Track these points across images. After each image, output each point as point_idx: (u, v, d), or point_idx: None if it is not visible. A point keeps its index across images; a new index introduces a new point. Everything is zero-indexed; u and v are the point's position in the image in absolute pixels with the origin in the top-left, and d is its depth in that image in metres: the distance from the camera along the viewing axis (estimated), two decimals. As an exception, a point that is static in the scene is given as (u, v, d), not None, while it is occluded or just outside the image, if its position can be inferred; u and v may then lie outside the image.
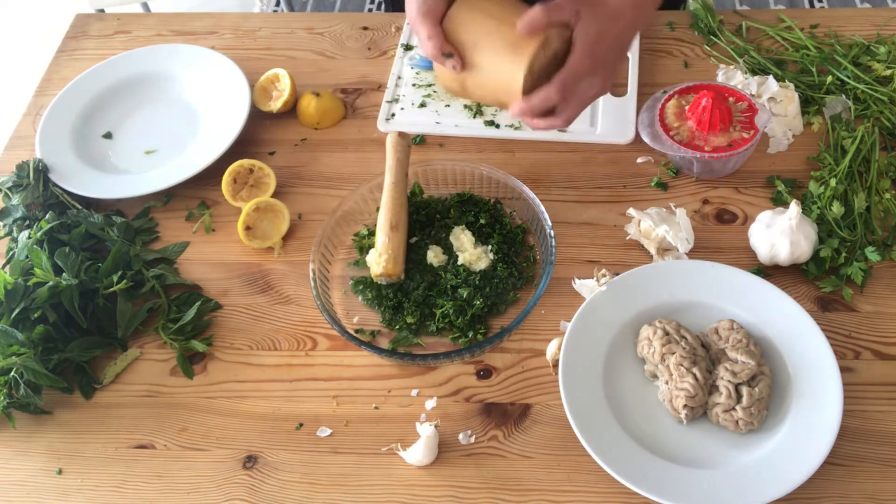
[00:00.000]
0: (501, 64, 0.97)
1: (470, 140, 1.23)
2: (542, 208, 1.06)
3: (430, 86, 1.30)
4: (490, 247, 1.08)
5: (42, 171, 1.21)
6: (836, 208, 1.06)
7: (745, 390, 0.91)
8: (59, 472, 0.97)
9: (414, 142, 1.23)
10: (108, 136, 1.30)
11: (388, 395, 1.00)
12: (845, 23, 1.33)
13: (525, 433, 0.96)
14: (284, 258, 1.13)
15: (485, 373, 1.01)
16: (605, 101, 1.24)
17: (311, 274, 1.04)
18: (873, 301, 1.02)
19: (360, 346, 1.00)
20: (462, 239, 1.09)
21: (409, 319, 1.03)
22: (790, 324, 0.97)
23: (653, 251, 1.07)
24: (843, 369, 0.95)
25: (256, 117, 1.29)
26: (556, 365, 0.99)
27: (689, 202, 1.14)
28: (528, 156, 1.20)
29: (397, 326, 1.04)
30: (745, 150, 1.10)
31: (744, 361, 0.92)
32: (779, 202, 1.12)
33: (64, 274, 1.04)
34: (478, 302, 1.03)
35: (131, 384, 1.04)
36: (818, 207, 1.08)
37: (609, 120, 1.22)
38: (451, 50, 0.99)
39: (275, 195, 1.18)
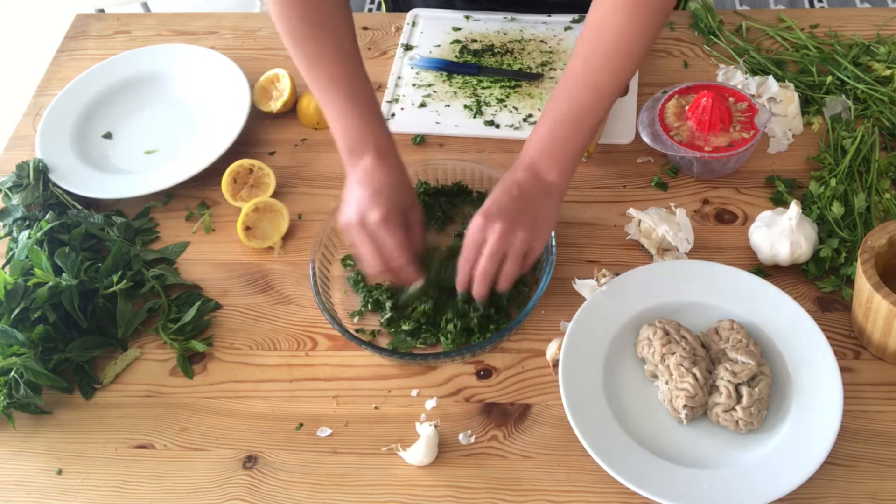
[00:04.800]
0: None
1: (470, 140, 1.23)
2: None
3: (430, 86, 1.30)
4: None
5: (42, 171, 1.21)
6: (836, 208, 1.06)
7: (745, 390, 0.91)
8: (59, 472, 0.97)
9: (414, 142, 1.23)
10: (108, 136, 1.30)
11: (388, 395, 1.00)
12: (845, 23, 1.33)
13: (525, 433, 0.96)
14: (284, 258, 1.13)
15: (485, 373, 1.01)
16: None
17: (311, 274, 1.04)
18: (873, 301, 1.02)
19: (360, 346, 1.00)
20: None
21: (405, 326, 1.03)
22: (790, 324, 0.97)
23: (653, 251, 1.07)
24: (843, 369, 0.95)
25: (256, 117, 1.29)
26: (556, 365, 0.99)
27: (689, 202, 1.14)
28: (528, 156, 1.20)
29: (392, 330, 1.04)
30: (745, 150, 1.10)
31: (744, 361, 0.92)
32: (779, 202, 1.12)
33: (64, 274, 1.04)
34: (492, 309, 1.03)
35: (131, 384, 1.03)
36: (818, 207, 1.08)
37: (609, 120, 1.22)
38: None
39: (275, 195, 1.18)
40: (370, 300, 1.06)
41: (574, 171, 1.00)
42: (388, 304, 1.05)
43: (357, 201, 0.99)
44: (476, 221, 0.96)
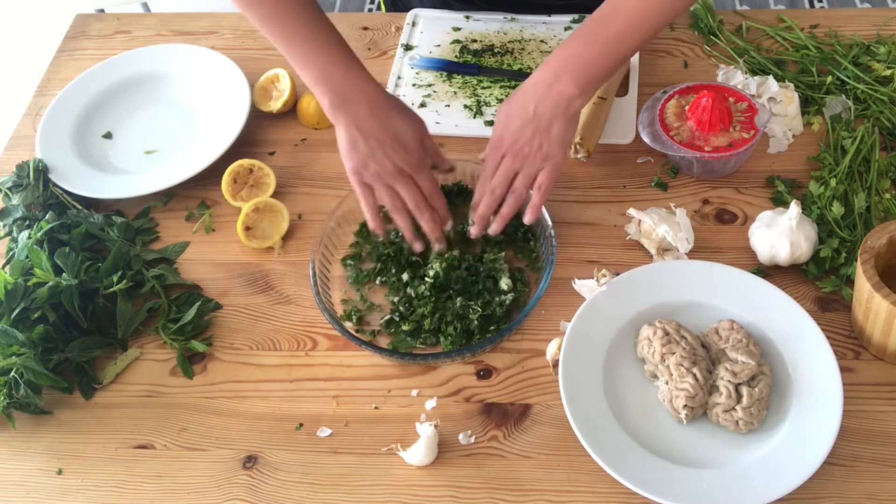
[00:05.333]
0: None
1: (470, 140, 1.23)
2: (543, 208, 1.06)
3: (430, 86, 1.30)
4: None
5: (42, 171, 1.21)
6: (836, 208, 1.06)
7: (745, 390, 0.91)
8: (59, 472, 0.97)
9: (414, 142, 1.23)
10: (108, 136, 1.30)
11: (388, 395, 1.00)
12: (845, 23, 1.33)
13: (525, 433, 0.96)
14: (284, 258, 1.13)
15: (485, 373, 1.01)
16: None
17: (311, 274, 1.04)
18: (873, 301, 1.02)
19: (360, 346, 1.00)
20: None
21: (405, 327, 1.03)
22: (790, 324, 0.97)
23: (653, 251, 1.07)
24: (843, 369, 0.95)
25: (256, 117, 1.29)
26: (556, 365, 0.99)
27: (689, 202, 1.14)
28: (528, 156, 1.20)
29: (392, 330, 1.04)
30: (745, 150, 1.10)
31: (744, 361, 0.92)
32: (779, 202, 1.12)
33: (64, 274, 1.04)
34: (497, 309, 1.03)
35: (131, 384, 1.03)
36: (818, 207, 1.08)
37: (609, 120, 1.22)
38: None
39: (275, 195, 1.18)
40: (365, 304, 1.07)
41: (596, 90, 1.03)
42: (395, 299, 1.05)
43: (381, 148, 1.02)
44: (487, 161, 1.04)
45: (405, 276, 1.06)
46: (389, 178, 1.03)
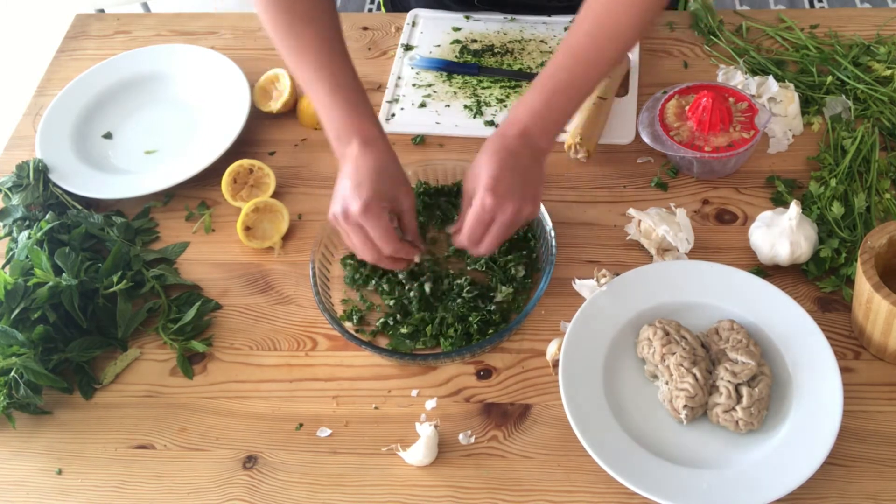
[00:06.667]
0: None
1: (470, 140, 1.23)
2: (543, 208, 1.06)
3: (430, 86, 1.30)
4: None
5: (42, 171, 1.21)
6: (836, 208, 1.06)
7: (745, 390, 0.91)
8: (59, 472, 0.97)
9: (414, 142, 1.23)
10: (108, 136, 1.30)
11: (388, 395, 1.00)
12: (845, 23, 1.33)
13: (525, 433, 0.96)
14: (284, 258, 1.13)
15: (485, 373, 1.01)
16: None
17: (311, 274, 1.04)
18: (873, 301, 1.02)
19: (360, 346, 1.00)
20: None
21: (404, 329, 1.03)
22: (790, 324, 0.97)
23: (653, 251, 1.07)
24: (843, 369, 0.95)
25: (256, 117, 1.29)
26: (556, 365, 0.99)
27: (689, 202, 1.14)
28: (528, 156, 1.20)
29: (390, 332, 1.04)
30: (745, 150, 1.10)
31: (744, 361, 0.92)
32: (779, 202, 1.12)
33: (64, 274, 1.04)
34: (495, 317, 1.03)
35: (131, 384, 1.04)
36: (818, 207, 1.08)
37: (609, 120, 1.22)
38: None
39: (275, 195, 1.18)
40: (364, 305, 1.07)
41: (550, 141, 1.01)
42: (391, 302, 1.05)
43: (341, 194, 0.99)
44: (486, 201, 0.96)
45: (389, 286, 1.06)
46: (355, 218, 0.98)
